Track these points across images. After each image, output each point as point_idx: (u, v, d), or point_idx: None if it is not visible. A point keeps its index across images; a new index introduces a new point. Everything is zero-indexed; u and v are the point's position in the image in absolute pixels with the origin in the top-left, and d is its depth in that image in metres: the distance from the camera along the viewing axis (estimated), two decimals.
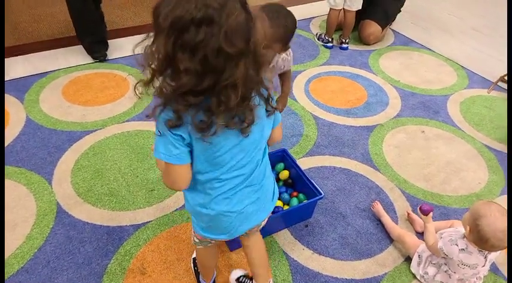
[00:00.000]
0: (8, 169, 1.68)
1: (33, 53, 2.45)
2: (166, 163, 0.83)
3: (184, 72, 0.68)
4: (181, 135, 0.78)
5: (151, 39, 0.69)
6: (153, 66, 0.70)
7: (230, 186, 0.91)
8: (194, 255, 1.38)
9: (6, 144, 1.81)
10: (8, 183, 1.63)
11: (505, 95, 2.44)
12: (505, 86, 2.50)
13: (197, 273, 1.32)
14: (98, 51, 2.42)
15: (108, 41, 2.51)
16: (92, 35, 2.38)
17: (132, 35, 2.70)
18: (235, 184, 0.91)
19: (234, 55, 0.68)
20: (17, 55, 2.41)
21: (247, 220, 0.99)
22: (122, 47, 2.57)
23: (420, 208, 1.40)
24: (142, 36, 0.70)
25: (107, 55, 2.45)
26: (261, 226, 1.11)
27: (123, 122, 1.99)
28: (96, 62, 2.42)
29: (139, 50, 0.70)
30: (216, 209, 0.93)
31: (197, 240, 1.10)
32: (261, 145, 0.91)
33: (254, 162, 0.91)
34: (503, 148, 2.02)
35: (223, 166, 0.87)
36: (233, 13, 0.67)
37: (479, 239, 1.17)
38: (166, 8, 0.66)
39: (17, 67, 2.33)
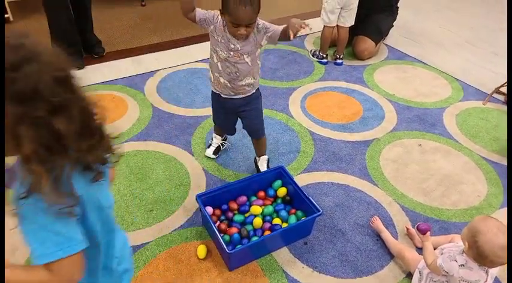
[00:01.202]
0: (8, 191, 1.69)
1: None
2: (52, 264, 0.61)
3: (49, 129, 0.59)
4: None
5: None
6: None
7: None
8: None
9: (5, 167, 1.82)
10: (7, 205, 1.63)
11: (500, 106, 2.46)
12: (500, 97, 2.53)
13: None
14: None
15: (108, 62, 2.56)
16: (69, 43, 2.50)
17: (131, 57, 2.75)
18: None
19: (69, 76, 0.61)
20: None
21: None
22: (120, 69, 2.61)
23: (417, 227, 1.39)
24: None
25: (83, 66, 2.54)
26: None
27: (122, 142, 2.01)
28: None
29: None
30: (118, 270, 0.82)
31: None
32: None
33: None
34: (501, 160, 2.03)
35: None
36: (36, 41, 0.60)
37: (479, 255, 1.16)
38: None
39: None
